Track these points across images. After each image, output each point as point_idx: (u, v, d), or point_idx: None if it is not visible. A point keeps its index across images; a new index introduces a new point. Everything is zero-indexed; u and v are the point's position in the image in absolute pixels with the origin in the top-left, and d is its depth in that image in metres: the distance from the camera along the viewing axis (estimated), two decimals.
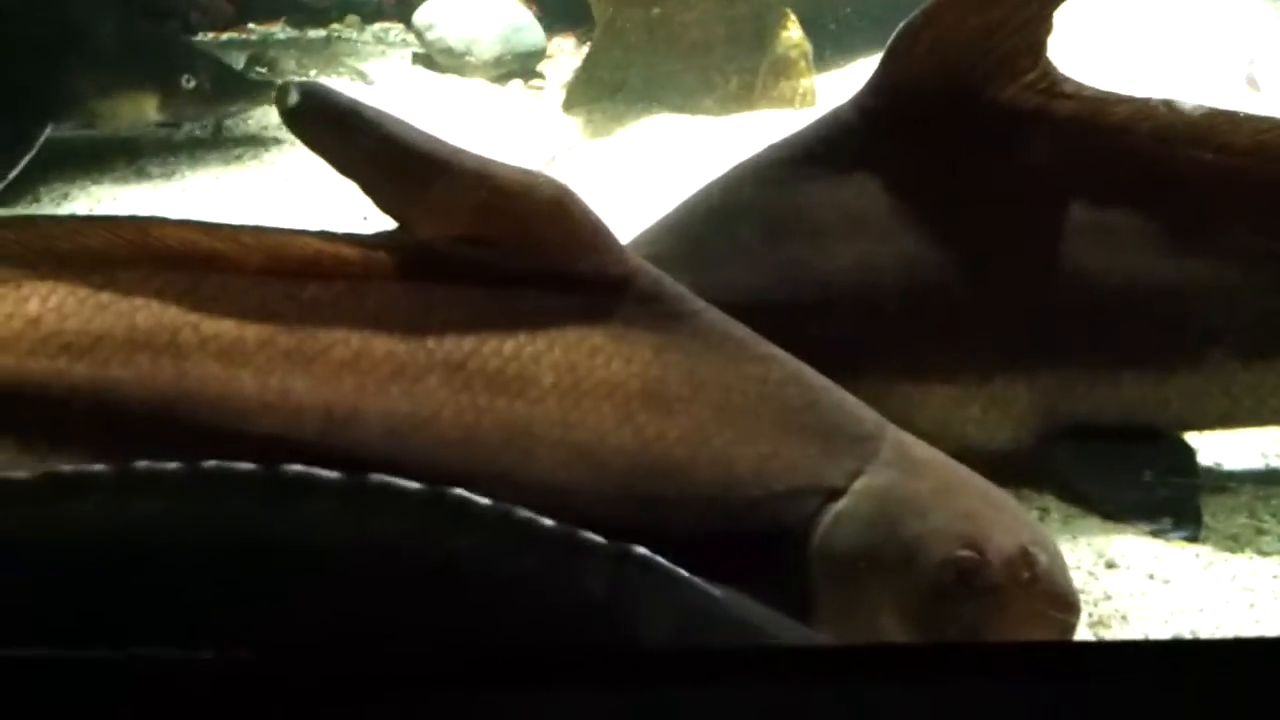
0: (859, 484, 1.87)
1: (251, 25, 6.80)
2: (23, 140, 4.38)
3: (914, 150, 2.37)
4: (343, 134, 1.89)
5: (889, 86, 2.38)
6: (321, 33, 6.87)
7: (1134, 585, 2.22)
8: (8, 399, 1.92)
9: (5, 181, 4.23)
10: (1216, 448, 2.58)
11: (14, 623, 1.38)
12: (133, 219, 2.01)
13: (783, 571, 1.80)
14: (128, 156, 4.85)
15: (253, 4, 7.00)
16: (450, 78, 5.91)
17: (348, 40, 6.76)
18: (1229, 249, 2.38)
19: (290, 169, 4.57)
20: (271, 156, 4.83)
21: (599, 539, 1.43)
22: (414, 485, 1.42)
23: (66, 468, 1.47)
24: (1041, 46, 2.35)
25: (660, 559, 1.45)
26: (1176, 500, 2.39)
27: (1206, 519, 2.38)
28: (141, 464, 1.43)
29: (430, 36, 6.12)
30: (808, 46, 5.33)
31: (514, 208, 1.89)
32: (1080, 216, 2.36)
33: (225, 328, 1.90)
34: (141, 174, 4.72)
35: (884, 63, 2.39)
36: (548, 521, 1.43)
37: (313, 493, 1.41)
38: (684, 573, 1.46)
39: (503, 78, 6.03)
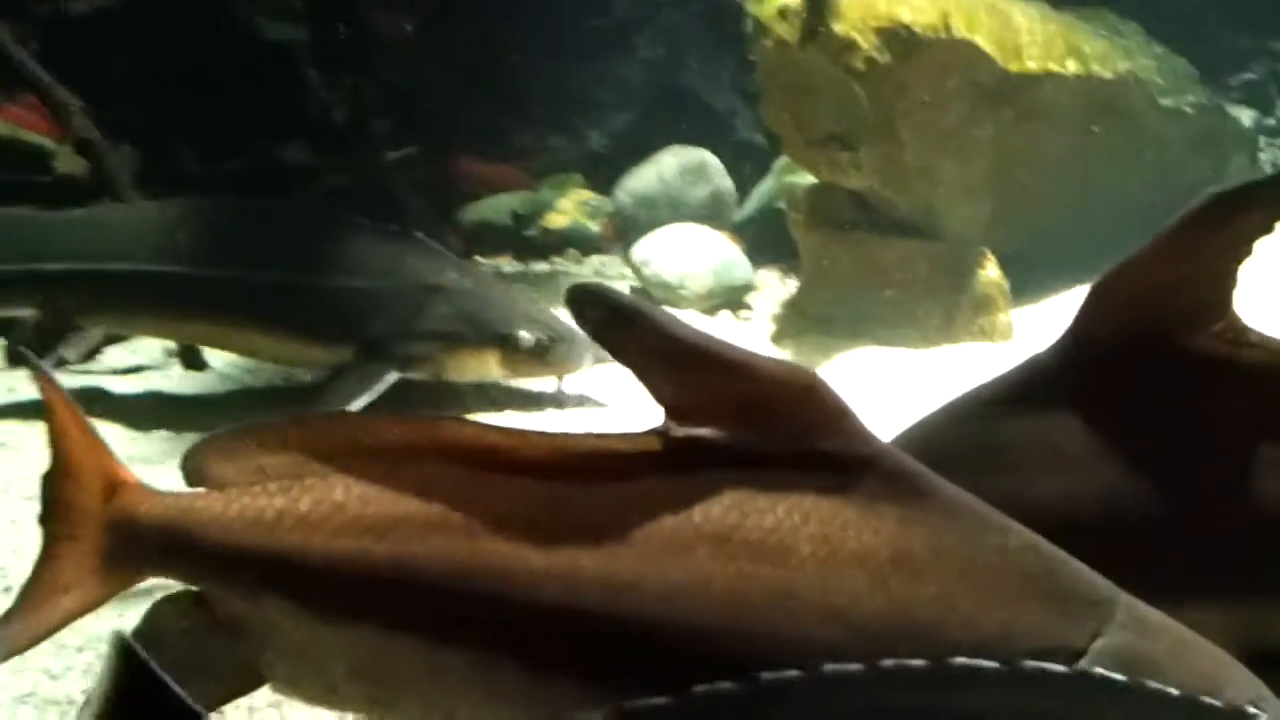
0: (1098, 644, 1.99)
1: (478, 258, 7.29)
2: (368, 383, 4.85)
3: (1108, 392, 2.54)
4: (624, 328, 2.14)
5: (1085, 333, 2.58)
6: (545, 266, 7.33)
7: None
8: (315, 574, 2.21)
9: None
10: None
11: None
12: (425, 417, 2.29)
13: None
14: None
15: (481, 238, 7.52)
16: (665, 309, 6.24)
17: (569, 274, 7.19)
18: None
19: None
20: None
21: (1216, 701, 1.53)
22: (1061, 668, 1.53)
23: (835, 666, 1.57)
24: (1228, 299, 2.53)
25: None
26: None
27: None
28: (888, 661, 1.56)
29: (647, 271, 6.49)
30: (1005, 283, 5.51)
31: (772, 394, 2.11)
32: (1270, 455, 2.49)
33: (513, 509, 2.16)
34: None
35: (1081, 311, 2.59)
36: (1174, 690, 1.52)
37: (981, 682, 1.53)
38: None
39: (713, 309, 6.34)
